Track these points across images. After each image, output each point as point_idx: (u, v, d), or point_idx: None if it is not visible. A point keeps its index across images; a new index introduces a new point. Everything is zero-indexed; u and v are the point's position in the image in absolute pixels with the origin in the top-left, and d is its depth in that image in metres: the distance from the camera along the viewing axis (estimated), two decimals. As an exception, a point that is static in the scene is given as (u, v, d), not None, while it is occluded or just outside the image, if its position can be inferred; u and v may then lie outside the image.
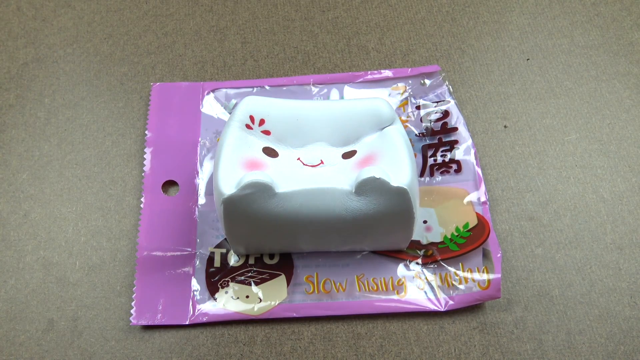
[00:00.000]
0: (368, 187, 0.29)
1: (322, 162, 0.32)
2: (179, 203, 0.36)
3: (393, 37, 0.42)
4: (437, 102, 0.38)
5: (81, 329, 0.33)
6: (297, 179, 0.30)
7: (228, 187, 0.29)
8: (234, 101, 0.31)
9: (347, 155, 0.32)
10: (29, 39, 0.43)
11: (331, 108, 0.33)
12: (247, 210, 0.30)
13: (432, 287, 0.33)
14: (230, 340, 0.33)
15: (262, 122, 0.32)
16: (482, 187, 0.35)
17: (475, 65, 0.41)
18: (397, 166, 0.30)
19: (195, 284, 0.33)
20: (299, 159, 0.32)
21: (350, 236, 0.32)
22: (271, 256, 0.34)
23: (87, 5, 0.44)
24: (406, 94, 0.39)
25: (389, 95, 0.39)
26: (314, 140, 0.33)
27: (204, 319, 0.33)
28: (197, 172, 0.37)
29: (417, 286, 0.33)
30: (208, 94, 0.39)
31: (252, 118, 0.32)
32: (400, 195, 0.30)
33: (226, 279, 0.33)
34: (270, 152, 0.32)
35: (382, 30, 0.43)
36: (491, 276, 0.33)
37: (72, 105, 0.40)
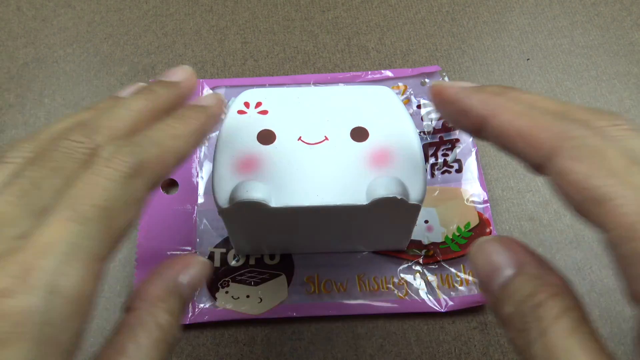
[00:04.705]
0: (384, 203, 0.28)
1: (326, 139, 0.29)
2: (179, 202, 0.36)
3: (393, 37, 0.42)
4: (437, 102, 0.38)
5: (81, 328, 0.33)
6: (299, 168, 0.29)
7: (223, 197, 0.28)
8: (233, 99, 0.31)
9: (356, 134, 0.30)
10: (29, 39, 0.43)
11: (334, 89, 0.31)
12: (244, 219, 0.29)
13: (432, 288, 0.33)
14: (230, 340, 0.33)
15: (258, 104, 0.31)
16: (484, 186, 0.35)
17: (475, 65, 0.41)
18: (413, 175, 0.28)
19: (195, 284, 0.33)
20: (300, 138, 0.30)
21: (350, 237, 0.32)
22: (272, 257, 0.34)
23: (87, 5, 0.44)
24: (407, 93, 0.39)
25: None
26: (316, 115, 0.30)
27: (204, 319, 0.32)
28: (197, 171, 0.37)
29: (417, 286, 0.33)
30: (207, 91, 0.39)
31: (246, 104, 0.31)
32: (412, 209, 0.29)
33: (226, 279, 0.33)
34: (266, 138, 0.29)
35: (382, 30, 0.43)
36: (492, 278, 0.33)
37: (72, 105, 0.40)
